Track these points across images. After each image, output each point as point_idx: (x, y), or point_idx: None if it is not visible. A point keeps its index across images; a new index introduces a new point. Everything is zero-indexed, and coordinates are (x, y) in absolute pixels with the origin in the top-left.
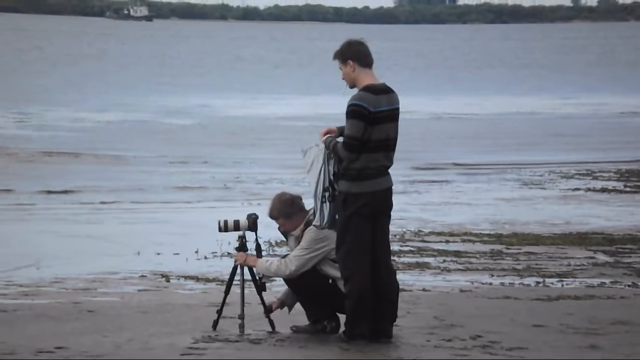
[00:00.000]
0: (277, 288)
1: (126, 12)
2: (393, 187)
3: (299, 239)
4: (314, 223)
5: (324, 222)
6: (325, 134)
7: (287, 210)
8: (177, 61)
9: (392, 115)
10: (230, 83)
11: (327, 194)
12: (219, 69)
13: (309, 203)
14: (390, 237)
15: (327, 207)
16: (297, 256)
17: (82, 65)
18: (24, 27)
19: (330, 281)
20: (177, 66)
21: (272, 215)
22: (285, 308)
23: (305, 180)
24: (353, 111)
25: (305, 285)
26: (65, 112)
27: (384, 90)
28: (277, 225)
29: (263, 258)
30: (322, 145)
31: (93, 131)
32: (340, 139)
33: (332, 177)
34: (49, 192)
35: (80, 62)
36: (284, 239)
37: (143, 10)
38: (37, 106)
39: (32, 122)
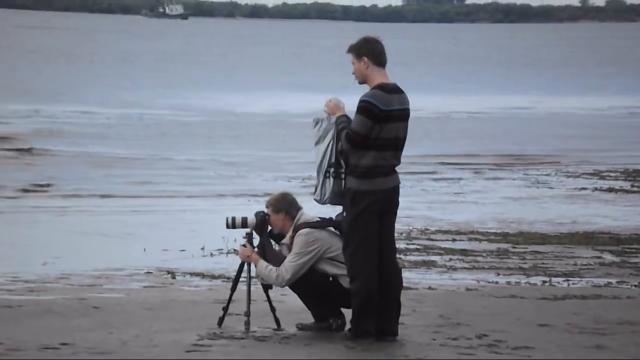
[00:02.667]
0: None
1: (161, 10)
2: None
3: (290, 247)
4: (314, 198)
5: (325, 198)
6: (331, 105)
7: (279, 205)
8: (216, 60)
9: (403, 115)
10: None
11: (331, 170)
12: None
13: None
14: (396, 235)
15: (329, 182)
16: (291, 263)
17: (127, 63)
18: (45, 25)
19: (330, 279)
20: (216, 65)
21: (266, 204)
22: (290, 306)
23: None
24: (362, 107)
25: (306, 287)
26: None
27: (396, 90)
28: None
29: (264, 262)
30: (334, 119)
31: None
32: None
33: (340, 154)
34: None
35: (124, 60)
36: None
37: (178, 9)
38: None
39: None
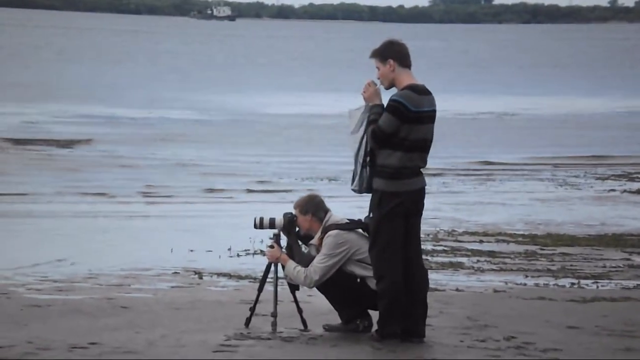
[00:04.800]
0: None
1: (209, 12)
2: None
3: (318, 248)
4: (351, 188)
5: (363, 187)
6: (371, 90)
7: (306, 206)
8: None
9: (431, 116)
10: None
11: (368, 159)
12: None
13: (337, 207)
14: (423, 236)
15: (366, 171)
16: (320, 264)
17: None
18: (97, 26)
19: (358, 280)
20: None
21: (294, 205)
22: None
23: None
24: (392, 106)
25: (333, 288)
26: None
27: (425, 92)
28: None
29: (293, 263)
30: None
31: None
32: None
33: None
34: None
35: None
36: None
37: (226, 10)
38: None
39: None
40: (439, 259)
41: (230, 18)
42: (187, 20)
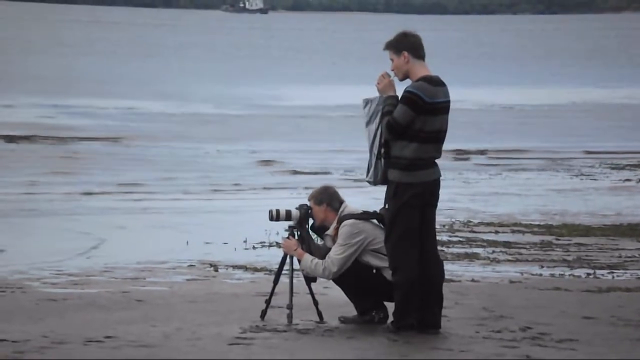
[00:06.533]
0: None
1: (242, 5)
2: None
3: (334, 239)
4: (366, 179)
5: (378, 178)
6: (385, 82)
7: (321, 197)
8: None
9: (446, 107)
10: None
11: (382, 150)
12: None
13: (353, 200)
14: (439, 227)
15: (381, 163)
16: (337, 256)
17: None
18: (123, 20)
19: (374, 271)
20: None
21: (308, 197)
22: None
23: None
24: (407, 98)
25: (349, 279)
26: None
27: (440, 83)
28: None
29: (309, 256)
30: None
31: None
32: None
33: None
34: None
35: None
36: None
37: (258, 3)
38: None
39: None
40: (455, 250)
41: (262, 11)
42: (219, 13)
